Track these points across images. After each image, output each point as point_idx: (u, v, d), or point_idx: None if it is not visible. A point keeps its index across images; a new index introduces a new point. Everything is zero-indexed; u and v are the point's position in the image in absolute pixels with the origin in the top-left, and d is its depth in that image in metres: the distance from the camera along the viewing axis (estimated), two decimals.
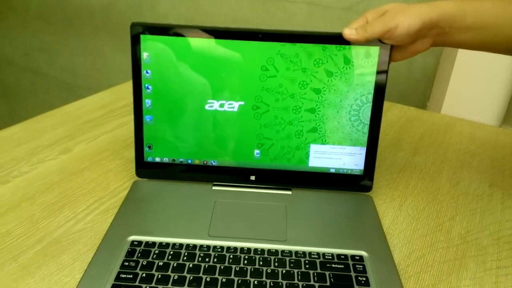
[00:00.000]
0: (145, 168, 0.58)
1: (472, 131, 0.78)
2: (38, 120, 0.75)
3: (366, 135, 0.56)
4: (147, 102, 0.56)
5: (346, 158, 0.57)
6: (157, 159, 0.58)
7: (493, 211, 0.57)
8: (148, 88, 0.56)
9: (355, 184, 0.58)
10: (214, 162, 0.58)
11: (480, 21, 0.48)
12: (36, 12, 1.62)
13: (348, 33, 0.50)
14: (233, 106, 0.55)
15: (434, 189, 0.61)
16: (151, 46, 0.54)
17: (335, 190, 0.58)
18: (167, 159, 0.58)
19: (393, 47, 0.52)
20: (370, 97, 0.54)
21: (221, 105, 0.55)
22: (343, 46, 0.52)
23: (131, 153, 0.66)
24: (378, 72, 0.53)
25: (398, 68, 1.02)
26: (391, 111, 0.84)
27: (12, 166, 0.62)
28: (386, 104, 0.86)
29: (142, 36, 0.54)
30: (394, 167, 0.66)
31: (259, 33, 0.53)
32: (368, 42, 0.51)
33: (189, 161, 0.58)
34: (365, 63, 0.53)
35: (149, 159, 0.58)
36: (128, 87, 0.91)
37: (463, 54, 0.98)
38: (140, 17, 1.38)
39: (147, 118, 0.56)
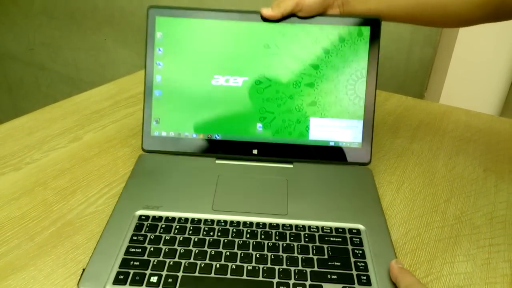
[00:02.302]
0: (151, 143, 0.60)
1: (468, 119, 0.80)
2: (48, 111, 0.77)
3: (363, 109, 0.59)
4: (157, 77, 0.60)
5: (344, 131, 0.60)
6: (163, 134, 0.60)
7: (487, 194, 0.59)
8: (159, 64, 0.59)
9: (354, 156, 0.60)
10: (218, 136, 0.60)
11: None
12: (40, 7, 1.64)
13: (265, 11, 0.57)
14: (238, 81, 0.59)
15: (430, 174, 0.64)
16: (165, 26, 0.59)
17: (335, 162, 0.60)
18: (173, 133, 0.60)
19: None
20: (364, 72, 0.59)
21: (227, 80, 0.59)
22: (337, 25, 0.58)
23: (138, 141, 0.68)
24: (371, 49, 0.59)
25: (396, 59, 1.04)
26: (390, 100, 0.87)
27: (24, 154, 0.65)
28: (384, 94, 0.89)
29: (157, 18, 0.59)
30: (392, 153, 0.68)
31: (261, 15, 0.58)
32: (283, 17, 0.57)
33: (194, 135, 0.60)
34: (358, 41, 0.59)
35: (156, 133, 0.60)
36: (133, 79, 0.93)
37: (461, 46, 1.00)
38: (142, 11, 1.40)
39: (156, 92, 0.60)
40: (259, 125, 0.60)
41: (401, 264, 0.45)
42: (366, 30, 0.58)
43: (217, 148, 0.60)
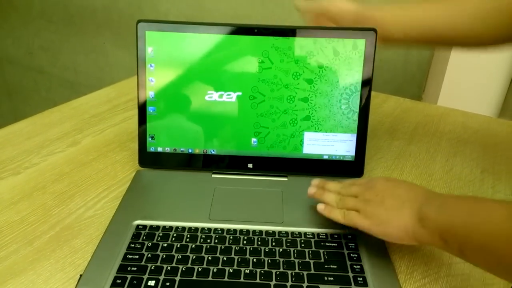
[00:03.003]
0: (147, 158, 0.61)
1: (465, 120, 0.80)
2: (46, 115, 0.78)
3: (356, 122, 0.59)
4: (150, 94, 0.59)
5: (338, 144, 0.60)
6: (159, 149, 0.60)
7: (484, 195, 0.60)
8: (151, 80, 0.59)
9: (347, 170, 0.61)
10: (213, 151, 0.60)
11: (409, 15, 0.59)
12: (39, 11, 1.65)
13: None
14: (231, 96, 0.59)
15: (428, 175, 0.64)
16: (155, 41, 0.58)
17: (328, 176, 0.59)
18: (168, 149, 0.60)
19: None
20: (359, 86, 0.58)
21: (220, 96, 0.59)
22: (332, 39, 0.57)
23: (136, 145, 0.68)
24: (365, 63, 0.58)
25: (394, 61, 1.05)
26: (387, 102, 0.87)
27: (23, 158, 0.65)
28: (382, 96, 0.89)
29: (147, 33, 0.58)
30: (389, 155, 0.68)
31: (254, 28, 0.57)
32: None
33: (190, 150, 0.60)
34: (353, 54, 0.58)
35: (152, 149, 0.60)
36: (131, 82, 0.93)
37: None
38: (141, 14, 1.41)
39: (150, 109, 0.59)
40: (253, 140, 0.60)
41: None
42: (361, 43, 0.57)
43: (213, 162, 0.61)
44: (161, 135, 0.60)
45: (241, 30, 0.57)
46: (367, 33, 0.57)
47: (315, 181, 0.54)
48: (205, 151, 0.61)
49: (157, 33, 0.58)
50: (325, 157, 0.61)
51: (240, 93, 0.59)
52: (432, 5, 0.58)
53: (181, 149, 0.61)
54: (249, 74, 0.59)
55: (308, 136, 0.60)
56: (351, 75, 0.58)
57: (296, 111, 0.59)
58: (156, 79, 0.59)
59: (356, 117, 0.59)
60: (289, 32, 0.58)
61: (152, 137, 0.60)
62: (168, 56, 0.58)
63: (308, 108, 0.59)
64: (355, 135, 0.60)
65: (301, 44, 0.58)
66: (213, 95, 0.59)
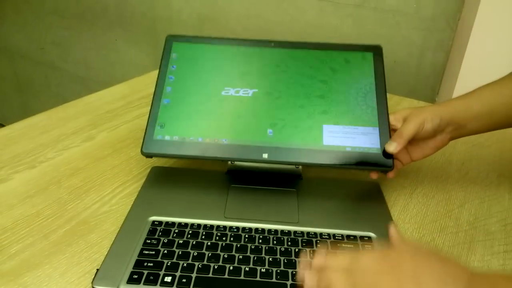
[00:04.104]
0: (153, 145, 0.56)
1: None
2: (61, 110, 0.78)
3: (376, 117, 0.58)
4: (167, 88, 0.60)
5: (360, 137, 0.57)
6: (167, 137, 0.57)
7: (500, 200, 0.59)
8: (171, 78, 0.60)
9: (375, 162, 0.55)
10: (225, 140, 0.57)
11: (486, 109, 0.55)
12: (51, 7, 1.65)
13: (392, 148, 0.54)
14: (248, 92, 0.60)
15: (444, 179, 0.63)
16: (180, 50, 0.63)
17: (353, 168, 0.55)
18: (177, 137, 0.57)
19: (414, 145, 0.57)
20: (373, 86, 0.60)
21: (237, 91, 0.60)
22: (342, 52, 0.62)
23: None
24: (376, 68, 0.61)
25: (407, 63, 1.04)
26: (401, 104, 0.86)
27: (38, 152, 0.65)
28: (396, 98, 0.89)
29: (174, 43, 0.63)
30: None
31: (271, 42, 0.62)
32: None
33: (200, 139, 0.57)
34: (363, 62, 0.61)
35: (159, 137, 0.57)
36: (145, 79, 0.93)
37: (472, 49, 0.99)
38: (153, 12, 1.41)
39: (164, 100, 0.59)
40: (269, 130, 0.57)
41: (398, 230, 0.43)
42: (369, 56, 0.61)
43: (223, 152, 0.56)
44: (171, 124, 0.58)
45: (259, 43, 0.62)
46: (373, 46, 0.62)
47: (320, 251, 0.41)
48: (216, 140, 0.57)
49: (183, 44, 0.63)
50: (348, 149, 0.56)
51: (256, 90, 0.60)
52: (495, 89, 0.56)
53: (191, 138, 0.57)
54: (267, 75, 0.60)
55: (328, 129, 0.57)
56: (364, 77, 0.60)
57: (313, 106, 0.59)
58: (176, 77, 0.60)
59: (375, 112, 0.58)
60: (303, 45, 0.62)
61: (161, 126, 0.57)
62: (190, 60, 0.62)
63: (325, 103, 0.59)
64: (377, 128, 0.57)
65: (314, 55, 0.62)
66: (230, 91, 0.60)
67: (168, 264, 0.45)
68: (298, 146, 0.57)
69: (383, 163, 0.55)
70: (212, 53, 0.62)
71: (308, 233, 0.50)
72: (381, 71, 0.60)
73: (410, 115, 0.55)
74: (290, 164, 0.59)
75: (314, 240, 0.49)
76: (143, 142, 0.56)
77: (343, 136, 0.57)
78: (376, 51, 0.62)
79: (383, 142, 0.56)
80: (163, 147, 0.56)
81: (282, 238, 0.49)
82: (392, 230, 0.43)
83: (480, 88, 0.57)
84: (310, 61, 0.61)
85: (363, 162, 0.55)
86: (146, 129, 0.57)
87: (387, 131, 0.57)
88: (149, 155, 0.56)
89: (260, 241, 0.49)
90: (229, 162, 0.60)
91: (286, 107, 0.59)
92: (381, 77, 0.60)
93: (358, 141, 0.57)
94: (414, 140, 0.55)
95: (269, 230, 0.51)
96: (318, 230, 0.51)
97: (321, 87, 0.60)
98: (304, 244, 0.49)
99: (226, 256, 0.46)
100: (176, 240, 0.48)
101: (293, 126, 0.58)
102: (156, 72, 0.61)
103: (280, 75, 0.60)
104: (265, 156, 0.56)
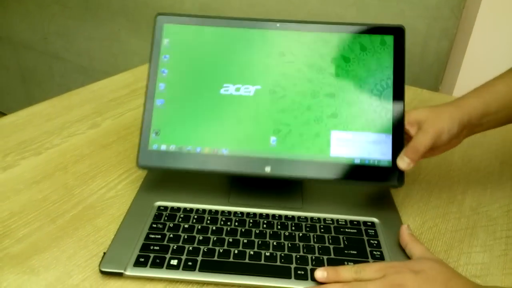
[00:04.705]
0: (148, 157, 0.53)
1: None
2: (65, 98, 0.78)
3: (391, 121, 0.52)
4: (160, 86, 0.54)
5: (371, 146, 0.52)
6: (163, 147, 0.53)
7: (503, 186, 0.59)
8: (164, 72, 0.55)
9: (384, 177, 0.51)
10: (225, 150, 0.53)
11: (502, 104, 0.51)
12: None
13: (405, 166, 0.50)
14: (249, 90, 0.54)
15: (446, 166, 0.64)
16: (173, 34, 0.55)
17: (360, 183, 0.53)
18: (174, 146, 0.53)
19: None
20: (390, 82, 0.53)
21: (237, 89, 0.54)
22: (358, 34, 0.54)
23: None
24: (396, 57, 0.53)
25: (411, 52, 1.04)
26: (405, 93, 0.86)
27: (44, 139, 0.66)
28: None
29: (165, 25, 0.55)
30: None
31: (277, 23, 0.54)
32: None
33: (198, 150, 0.53)
34: (381, 50, 0.54)
35: (154, 146, 0.53)
36: None
37: (476, 38, 0.99)
38: (156, 1, 1.41)
39: (158, 102, 0.54)
40: (272, 138, 0.53)
41: (411, 230, 0.47)
42: (389, 39, 0.54)
43: (223, 164, 0.52)
44: (167, 131, 0.54)
45: (262, 24, 0.55)
46: (395, 29, 0.54)
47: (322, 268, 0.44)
48: (215, 150, 0.53)
49: (175, 26, 0.55)
50: (356, 161, 0.52)
51: (259, 87, 0.54)
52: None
53: (188, 147, 0.53)
54: (270, 67, 0.54)
55: (336, 136, 0.52)
56: (380, 71, 0.53)
57: (321, 108, 0.53)
58: (169, 71, 0.55)
59: (390, 115, 0.52)
60: (312, 27, 0.54)
61: (156, 133, 0.53)
62: (184, 48, 0.55)
63: (335, 104, 0.53)
64: (390, 135, 0.52)
65: (325, 39, 0.54)
66: (229, 88, 0.54)
67: (174, 247, 0.46)
68: (303, 158, 0.52)
69: (393, 178, 0.51)
70: (210, 37, 0.55)
71: (311, 218, 0.51)
72: (402, 60, 0.53)
73: (425, 122, 0.50)
74: (294, 179, 0.54)
75: (317, 225, 0.50)
76: (138, 153, 0.53)
77: (352, 145, 0.52)
78: (398, 33, 0.54)
79: (395, 153, 0.51)
80: (159, 159, 0.53)
81: (286, 223, 0.50)
82: (404, 231, 0.46)
83: (493, 82, 0.54)
84: (320, 47, 0.54)
85: (372, 177, 0.52)
86: (140, 136, 0.53)
87: (401, 140, 0.52)
88: (145, 168, 0.54)
89: (265, 225, 0.50)
90: None
91: (292, 109, 0.53)
92: (401, 68, 0.53)
93: (368, 151, 0.52)
94: (433, 149, 0.52)
95: (273, 215, 0.51)
96: (321, 215, 0.51)
97: (331, 83, 0.53)
98: (307, 229, 0.49)
99: (231, 240, 0.47)
100: (182, 224, 0.49)
101: (299, 133, 0.53)
102: None
103: (286, 68, 0.54)
104: (267, 170, 0.52)
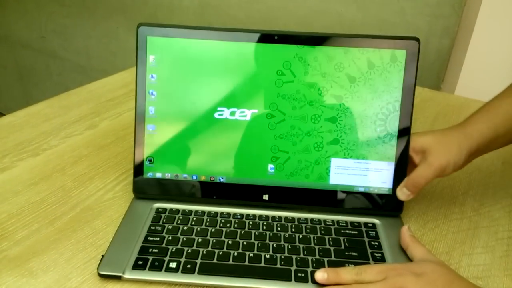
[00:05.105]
0: (144, 186, 0.52)
1: None
2: (63, 98, 0.78)
3: (394, 148, 0.50)
4: (150, 110, 0.51)
5: (372, 174, 0.51)
6: (158, 175, 0.52)
7: (505, 186, 0.59)
8: (152, 94, 0.51)
9: (383, 205, 0.51)
10: (222, 178, 0.52)
11: (510, 126, 0.49)
12: None
13: (404, 197, 0.49)
14: (245, 114, 0.51)
15: None
16: (158, 49, 0.50)
17: (358, 211, 0.51)
18: (169, 174, 0.52)
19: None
20: (398, 105, 0.50)
21: (232, 113, 0.51)
22: (366, 49, 0.49)
23: None
24: (406, 77, 0.49)
25: None
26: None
27: (41, 140, 0.65)
28: None
29: (149, 38, 0.50)
30: None
31: (275, 35, 0.50)
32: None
33: (194, 177, 0.52)
34: (391, 67, 0.49)
35: (149, 174, 0.52)
36: None
37: (478, 36, 0.98)
38: (154, 0, 1.40)
39: (149, 127, 0.51)
40: (270, 166, 0.51)
41: (412, 231, 0.46)
42: (401, 55, 0.49)
43: (220, 192, 0.52)
44: (161, 158, 0.52)
45: (259, 36, 0.50)
46: (408, 42, 0.49)
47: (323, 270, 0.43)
48: (212, 178, 0.52)
49: (160, 39, 0.50)
50: (356, 189, 0.51)
51: (255, 111, 0.50)
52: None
53: (184, 175, 0.52)
54: (267, 89, 0.50)
55: (336, 163, 0.51)
56: (388, 92, 0.49)
57: (321, 133, 0.50)
58: (158, 93, 0.51)
59: (394, 142, 0.50)
60: (315, 40, 0.49)
61: (150, 161, 0.52)
62: (172, 66, 0.51)
63: (337, 129, 0.50)
64: (393, 163, 0.50)
65: (329, 55, 0.49)
66: (224, 112, 0.51)
67: (173, 250, 0.45)
68: (301, 186, 0.51)
69: (392, 206, 0.51)
70: (200, 53, 0.50)
71: (312, 219, 0.50)
72: (413, 80, 0.49)
73: (431, 152, 0.47)
74: (292, 209, 0.52)
75: (318, 227, 0.49)
76: (133, 184, 0.52)
77: (352, 173, 0.51)
78: (411, 48, 0.49)
79: (396, 182, 0.50)
80: (156, 188, 0.52)
81: (286, 225, 0.49)
82: (405, 232, 0.46)
83: (499, 102, 0.51)
84: (322, 65, 0.49)
85: (371, 205, 0.51)
86: (134, 163, 0.52)
87: (404, 168, 0.50)
88: (143, 197, 0.53)
89: (264, 227, 0.49)
90: None
91: (291, 135, 0.51)
92: (411, 89, 0.49)
93: (368, 180, 0.51)
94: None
95: (273, 217, 0.51)
96: (322, 216, 0.51)
97: (334, 106, 0.50)
98: (308, 231, 0.49)
99: (230, 242, 0.47)
100: (181, 226, 0.49)
101: (297, 160, 0.51)
102: None
103: (285, 89, 0.50)
104: (265, 197, 0.52)
